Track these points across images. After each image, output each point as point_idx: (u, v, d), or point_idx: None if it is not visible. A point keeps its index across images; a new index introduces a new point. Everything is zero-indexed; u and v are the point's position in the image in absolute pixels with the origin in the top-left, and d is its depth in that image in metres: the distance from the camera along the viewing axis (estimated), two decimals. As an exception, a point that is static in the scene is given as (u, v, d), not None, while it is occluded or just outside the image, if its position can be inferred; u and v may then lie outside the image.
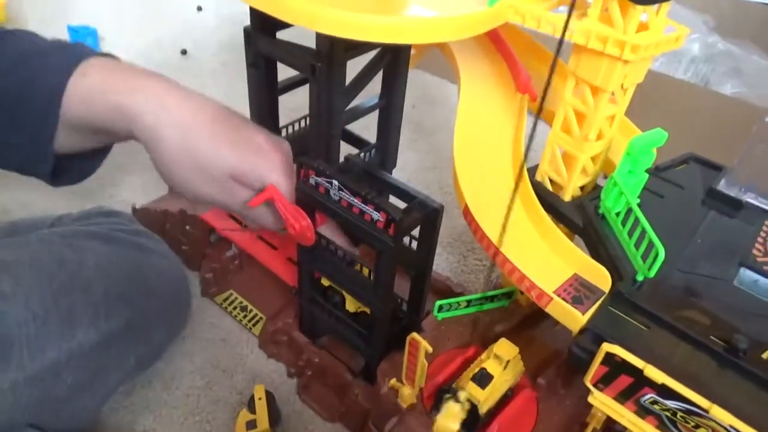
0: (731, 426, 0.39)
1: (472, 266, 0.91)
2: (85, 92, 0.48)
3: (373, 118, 0.77)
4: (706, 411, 0.39)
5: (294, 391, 0.71)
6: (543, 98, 0.41)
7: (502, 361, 0.59)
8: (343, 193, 0.56)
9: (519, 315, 0.69)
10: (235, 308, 0.79)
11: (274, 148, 0.56)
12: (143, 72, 0.51)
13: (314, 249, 0.63)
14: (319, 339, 0.73)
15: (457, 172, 0.59)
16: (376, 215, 0.54)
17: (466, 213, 0.57)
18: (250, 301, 0.80)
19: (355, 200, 0.55)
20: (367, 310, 0.65)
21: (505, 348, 0.59)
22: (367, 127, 0.81)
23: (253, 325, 0.77)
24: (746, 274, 0.55)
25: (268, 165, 0.55)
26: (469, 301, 0.69)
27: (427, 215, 0.58)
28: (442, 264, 0.90)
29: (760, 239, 0.59)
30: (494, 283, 0.79)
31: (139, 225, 0.74)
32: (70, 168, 0.55)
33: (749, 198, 0.63)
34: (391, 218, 0.53)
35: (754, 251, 0.57)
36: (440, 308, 0.67)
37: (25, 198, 0.98)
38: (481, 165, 0.62)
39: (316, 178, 0.58)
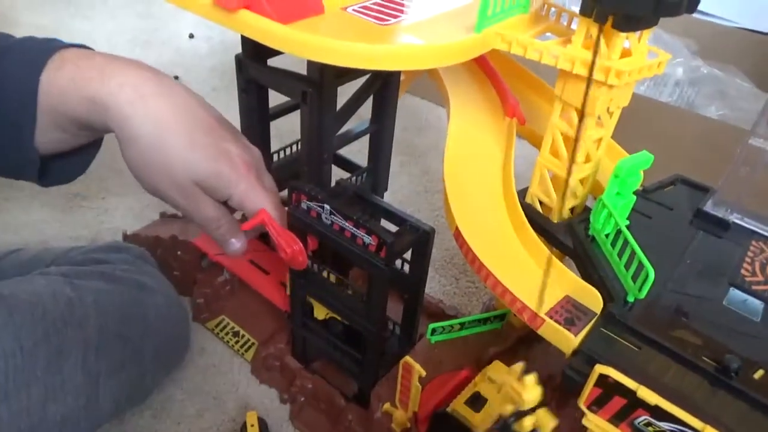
0: (725, 447, 0.39)
1: (464, 289, 0.91)
2: (61, 85, 0.45)
3: (365, 142, 0.78)
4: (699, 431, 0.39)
5: (287, 417, 0.70)
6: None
7: (497, 384, 0.58)
8: (335, 217, 0.56)
9: (512, 337, 0.69)
10: (227, 334, 0.79)
11: (243, 158, 0.55)
12: (119, 59, 0.49)
13: (306, 273, 0.63)
14: (311, 364, 0.73)
15: (447, 195, 0.60)
16: (367, 239, 0.54)
17: (457, 236, 0.57)
18: (242, 326, 0.79)
19: (347, 224, 0.55)
20: (337, 317, 0.65)
21: (498, 370, 0.59)
22: (359, 152, 0.81)
23: (246, 351, 0.77)
24: (735, 294, 0.55)
25: (234, 176, 0.53)
26: (462, 324, 0.69)
27: (418, 238, 0.59)
28: (435, 286, 0.90)
29: (747, 259, 0.59)
30: (488, 305, 0.79)
31: (148, 260, 0.73)
32: (59, 167, 0.53)
33: (736, 218, 0.64)
34: (383, 241, 0.53)
35: (743, 271, 0.58)
36: (433, 331, 0.67)
37: (26, 218, 0.98)
38: (471, 188, 0.62)
39: (308, 202, 0.58)
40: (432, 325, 0.67)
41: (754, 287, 0.55)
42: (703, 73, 1.44)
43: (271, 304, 0.77)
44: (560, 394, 0.64)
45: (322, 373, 0.71)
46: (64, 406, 0.56)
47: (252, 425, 0.64)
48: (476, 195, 0.62)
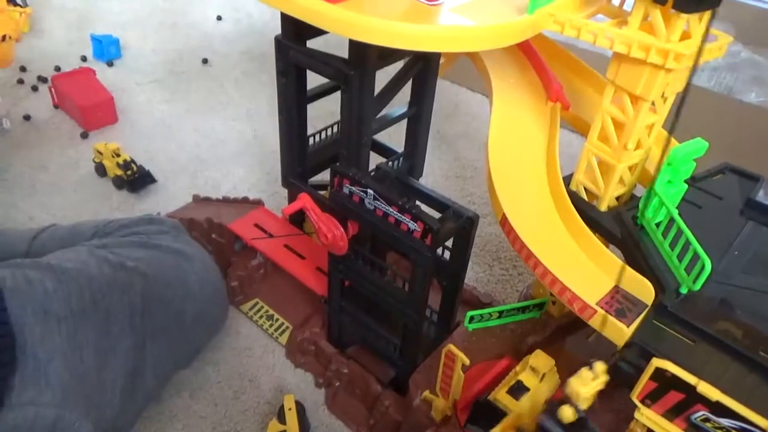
0: (790, 445, 0.38)
1: (498, 276, 0.90)
2: None
3: (396, 127, 0.77)
4: (763, 430, 0.38)
5: (322, 402, 0.70)
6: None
7: (538, 373, 0.58)
8: (378, 203, 0.55)
9: (551, 326, 0.68)
10: (261, 317, 0.79)
11: None
12: None
13: (345, 258, 0.62)
14: (347, 349, 0.73)
15: (493, 182, 0.58)
16: (413, 225, 0.54)
17: (504, 223, 0.56)
18: (276, 309, 0.79)
19: (391, 209, 0.54)
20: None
21: (541, 360, 0.58)
22: (390, 136, 0.80)
23: (280, 334, 0.77)
24: (790, 286, 0.54)
25: None
26: (500, 312, 0.68)
27: (462, 225, 0.58)
28: (468, 273, 0.88)
29: (802, 251, 0.57)
30: (525, 294, 0.78)
31: (182, 230, 0.74)
32: None
33: (789, 209, 0.62)
34: (429, 228, 0.52)
35: (797, 263, 0.56)
36: (471, 319, 0.67)
37: (50, 204, 0.99)
38: (515, 174, 0.61)
39: (350, 187, 0.57)
40: (470, 313, 0.66)
41: (810, 280, 0.54)
42: (743, 58, 1.39)
43: (305, 288, 0.77)
44: (600, 390, 0.63)
45: (358, 359, 0.71)
46: (114, 371, 0.58)
47: (290, 408, 0.64)
48: (521, 181, 0.61)
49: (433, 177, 1.10)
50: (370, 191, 0.55)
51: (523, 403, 0.56)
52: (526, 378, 0.58)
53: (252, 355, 0.75)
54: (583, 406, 0.46)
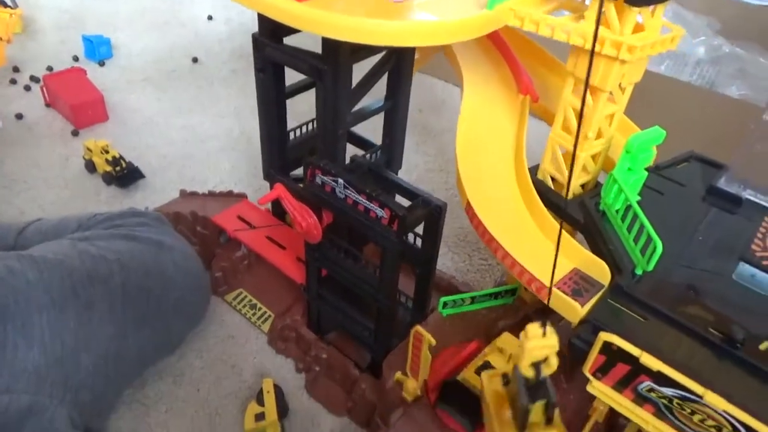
0: (725, 412, 0.40)
1: (477, 266, 0.92)
2: None
3: (378, 122, 0.79)
4: (701, 397, 0.41)
5: (302, 386, 0.72)
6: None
7: (506, 354, 0.60)
8: (349, 191, 0.58)
9: (522, 311, 0.70)
10: (244, 306, 0.81)
11: None
12: None
13: (321, 246, 0.65)
14: (326, 335, 0.75)
15: (459, 169, 0.61)
16: (380, 212, 0.56)
17: (468, 209, 0.58)
18: (259, 299, 0.82)
19: (360, 198, 0.57)
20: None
21: (508, 341, 0.61)
22: (374, 130, 0.82)
23: (263, 323, 0.79)
24: (744, 268, 0.56)
25: None
26: (473, 298, 0.70)
27: (430, 212, 0.60)
28: (448, 263, 0.91)
29: (759, 235, 0.60)
30: (499, 281, 0.81)
31: (165, 222, 0.77)
32: None
33: (748, 195, 0.64)
34: (395, 214, 0.55)
35: (753, 246, 0.58)
36: (445, 304, 0.69)
37: (41, 200, 1.01)
38: (483, 163, 0.63)
39: (323, 177, 0.59)
40: (443, 299, 0.68)
41: (764, 262, 0.56)
42: (725, 52, 1.41)
43: (287, 278, 0.79)
44: (569, 367, 0.66)
45: (337, 345, 0.73)
46: (95, 356, 0.60)
47: (268, 391, 0.66)
48: (488, 170, 0.63)
49: (417, 170, 1.13)
50: (340, 181, 0.58)
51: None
52: (494, 359, 0.60)
53: (235, 342, 0.78)
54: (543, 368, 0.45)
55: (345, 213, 0.59)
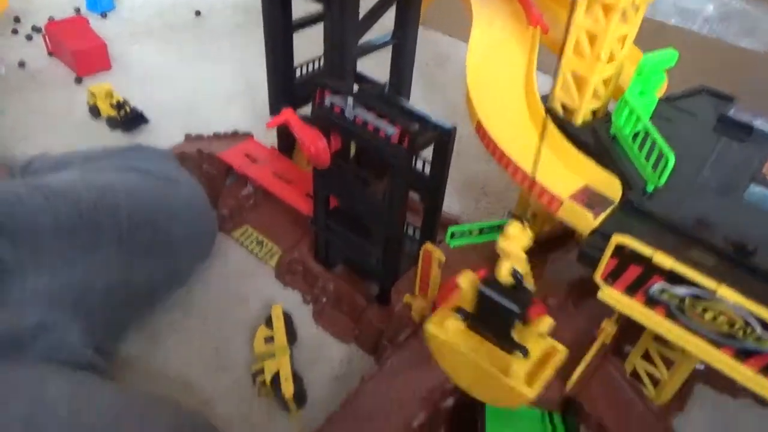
0: (738, 305, 0.40)
1: (483, 209, 0.92)
2: None
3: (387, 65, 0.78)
4: (714, 292, 0.41)
5: (309, 317, 0.73)
6: None
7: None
8: (358, 111, 0.57)
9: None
10: (251, 242, 0.81)
11: None
12: None
13: (329, 172, 0.64)
14: (333, 268, 0.75)
15: (470, 93, 0.60)
16: (390, 130, 0.56)
17: (479, 128, 0.58)
18: (265, 235, 0.82)
19: (370, 116, 0.56)
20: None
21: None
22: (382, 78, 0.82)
23: (270, 258, 0.79)
24: (756, 189, 0.56)
25: None
26: (481, 229, 0.70)
27: (440, 135, 0.59)
28: (455, 207, 0.91)
29: (770, 159, 0.59)
30: (507, 216, 0.81)
31: (171, 157, 0.76)
32: None
33: (759, 124, 0.64)
34: (405, 131, 0.54)
35: (765, 170, 0.58)
36: (453, 235, 0.68)
37: (46, 146, 1.00)
38: (493, 87, 0.63)
39: (332, 98, 0.59)
40: (451, 228, 0.68)
41: (775, 183, 0.56)
42: (735, 9, 1.40)
43: (293, 216, 0.80)
44: (576, 295, 0.66)
45: (344, 277, 0.74)
46: (104, 282, 0.60)
47: (278, 317, 0.67)
48: (498, 94, 0.63)
49: (422, 121, 1.12)
50: (350, 99, 0.57)
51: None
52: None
53: (242, 277, 0.78)
54: (519, 267, 0.44)
55: (354, 134, 0.58)
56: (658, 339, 0.56)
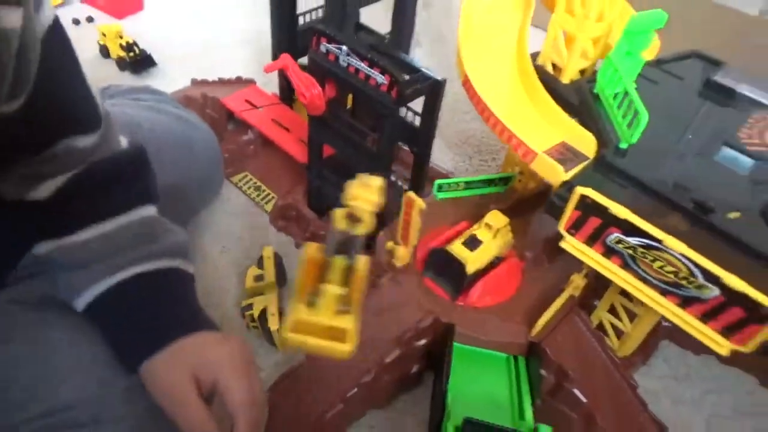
0: (682, 255, 0.43)
1: (476, 166, 0.94)
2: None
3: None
4: (661, 242, 0.44)
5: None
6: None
7: (492, 230, 0.63)
8: (351, 59, 0.59)
9: (513, 198, 0.73)
10: (249, 188, 0.85)
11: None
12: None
13: (324, 120, 0.67)
14: (325, 215, 0.79)
15: (460, 47, 0.62)
16: (380, 78, 0.58)
17: (466, 83, 0.60)
18: (263, 182, 0.85)
19: (362, 64, 0.58)
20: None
21: (495, 218, 0.64)
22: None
23: (266, 203, 0.83)
24: (727, 152, 0.58)
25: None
26: (468, 183, 0.73)
27: (431, 86, 0.61)
28: (448, 163, 0.94)
29: (747, 125, 0.61)
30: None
31: (180, 105, 0.77)
32: None
33: (745, 90, 0.65)
34: (395, 80, 0.56)
35: (741, 135, 0.60)
36: (440, 187, 0.71)
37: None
38: (484, 43, 0.64)
39: (327, 45, 0.61)
40: (438, 181, 0.71)
41: (748, 148, 0.57)
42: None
43: (291, 164, 0.82)
44: (550, 249, 0.69)
45: (335, 224, 0.77)
46: None
47: (268, 257, 0.70)
48: (488, 49, 0.64)
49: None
50: (344, 48, 0.59)
51: (476, 255, 0.62)
52: (481, 233, 0.63)
53: (239, 219, 0.82)
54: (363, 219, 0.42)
55: (346, 81, 0.61)
56: (624, 293, 0.59)
